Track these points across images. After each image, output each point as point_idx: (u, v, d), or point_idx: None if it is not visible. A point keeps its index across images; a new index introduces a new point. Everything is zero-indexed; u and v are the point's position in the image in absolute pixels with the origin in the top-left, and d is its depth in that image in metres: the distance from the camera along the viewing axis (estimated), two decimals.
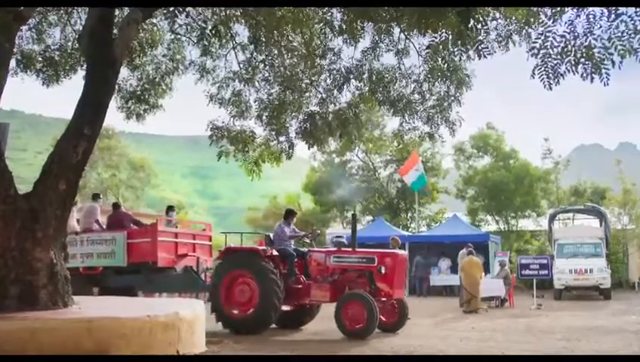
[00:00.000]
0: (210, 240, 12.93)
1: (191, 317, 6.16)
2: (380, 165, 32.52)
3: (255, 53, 9.68)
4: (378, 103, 9.98)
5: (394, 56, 9.63)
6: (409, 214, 30.53)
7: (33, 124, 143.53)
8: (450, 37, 6.66)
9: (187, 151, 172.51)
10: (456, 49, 7.03)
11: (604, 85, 5.37)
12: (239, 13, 9.00)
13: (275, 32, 8.95)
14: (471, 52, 7.74)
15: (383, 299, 9.46)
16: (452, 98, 9.53)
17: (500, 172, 29.14)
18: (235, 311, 9.54)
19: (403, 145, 10.70)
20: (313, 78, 9.58)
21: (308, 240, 10.87)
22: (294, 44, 9.28)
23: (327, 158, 32.68)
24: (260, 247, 10.15)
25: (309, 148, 9.81)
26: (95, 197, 12.85)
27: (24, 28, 9.99)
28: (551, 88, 5.81)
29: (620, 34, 5.22)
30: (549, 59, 5.66)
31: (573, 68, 5.54)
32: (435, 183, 31.13)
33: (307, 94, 9.73)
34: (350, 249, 9.82)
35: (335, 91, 9.61)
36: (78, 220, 11.97)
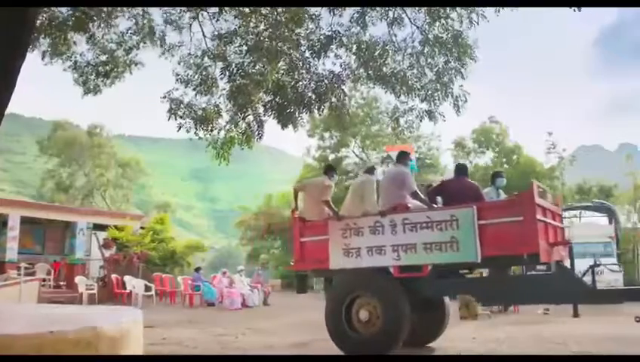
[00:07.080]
0: (562, 220, 8.04)
1: (115, 333, 4.73)
2: (376, 162, 31.35)
3: (222, 18, 8.32)
4: (368, 78, 8.68)
5: (387, 27, 8.41)
6: None
7: (32, 128, 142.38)
8: None
9: (187, 155, 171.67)
10: None
11: None
12: None
13: None
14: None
15: None
16: (453, 70, 8.24)
17: (503, 168, 28.05)
18: None
19: (399, 129, 9.32)
20: (285, 46, 8.14)
21: None
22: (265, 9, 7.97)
23: (321, 154, 31.54)
24: None
25: (282, 128, 8.38)
26: (402, 157, 7.94)
27: None
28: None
29: None
30: None
31: None
32: (434, 182, 29.96)
33: (280, 64, 8.28)
34: None
35: (312, 59, 8.23)
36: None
